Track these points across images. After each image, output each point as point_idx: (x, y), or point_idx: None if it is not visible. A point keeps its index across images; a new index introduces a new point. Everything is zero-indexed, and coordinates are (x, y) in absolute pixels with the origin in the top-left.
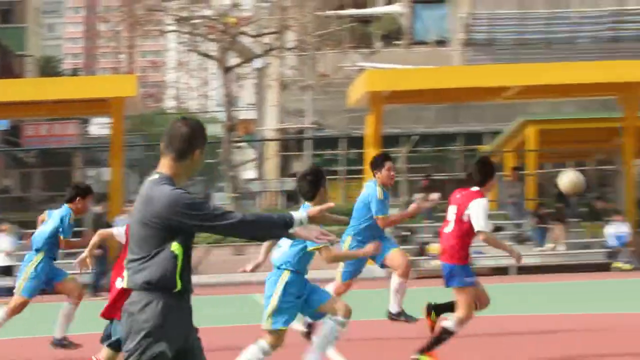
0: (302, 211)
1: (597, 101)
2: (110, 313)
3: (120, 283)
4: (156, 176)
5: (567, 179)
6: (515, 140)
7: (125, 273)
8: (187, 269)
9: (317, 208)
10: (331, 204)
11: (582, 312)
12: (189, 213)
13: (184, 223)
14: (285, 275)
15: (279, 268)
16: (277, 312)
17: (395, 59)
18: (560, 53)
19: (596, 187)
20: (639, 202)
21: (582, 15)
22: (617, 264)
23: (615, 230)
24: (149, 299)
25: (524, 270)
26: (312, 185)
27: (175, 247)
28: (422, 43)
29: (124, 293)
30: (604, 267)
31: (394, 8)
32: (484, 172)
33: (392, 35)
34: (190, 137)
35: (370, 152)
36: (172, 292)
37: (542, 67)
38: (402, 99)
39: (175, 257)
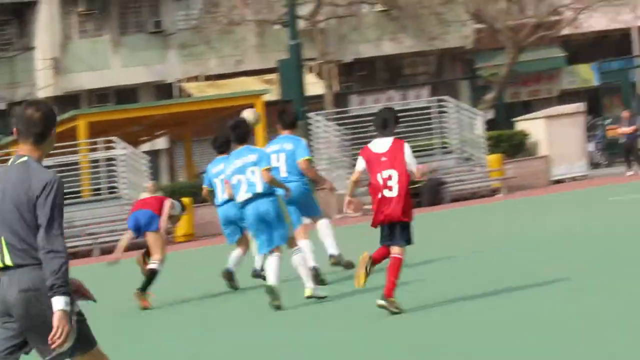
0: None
1: None
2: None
3: (389, 193)
4: (24, 159)
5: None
6: None
7: None
8: None
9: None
10: None
11: None
12: (54, 195)
13: (40, 204)
14: None
15: None
16: None
17: None
18: None
19: None
20: None
21: None
22: None
23: None
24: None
25: None
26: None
27: None
28: None
29: (381, 201)
30: None
31: None
32: None
33: None
34: (45, 120)
35: None
36: None
37: None
38: None
39: None
